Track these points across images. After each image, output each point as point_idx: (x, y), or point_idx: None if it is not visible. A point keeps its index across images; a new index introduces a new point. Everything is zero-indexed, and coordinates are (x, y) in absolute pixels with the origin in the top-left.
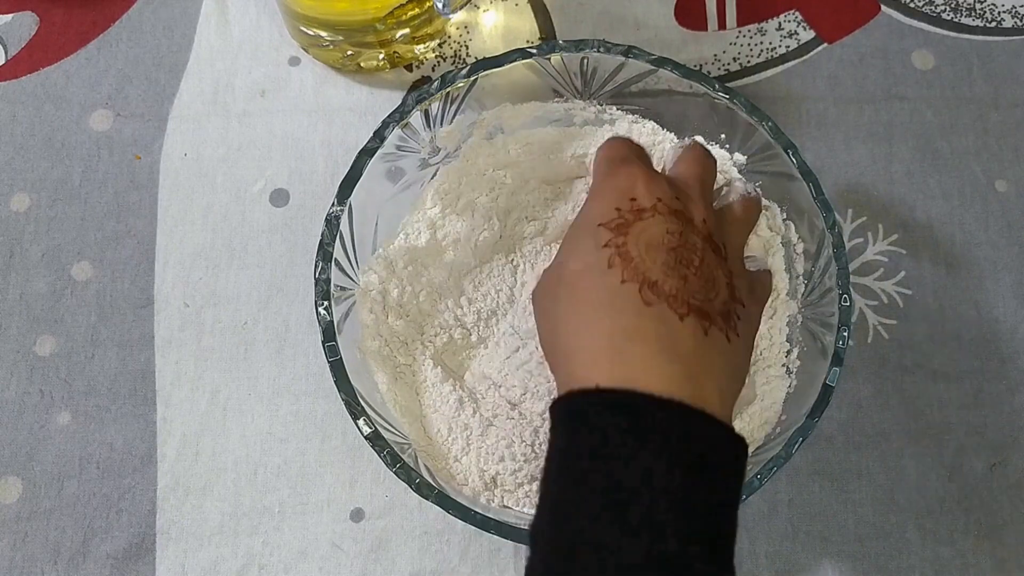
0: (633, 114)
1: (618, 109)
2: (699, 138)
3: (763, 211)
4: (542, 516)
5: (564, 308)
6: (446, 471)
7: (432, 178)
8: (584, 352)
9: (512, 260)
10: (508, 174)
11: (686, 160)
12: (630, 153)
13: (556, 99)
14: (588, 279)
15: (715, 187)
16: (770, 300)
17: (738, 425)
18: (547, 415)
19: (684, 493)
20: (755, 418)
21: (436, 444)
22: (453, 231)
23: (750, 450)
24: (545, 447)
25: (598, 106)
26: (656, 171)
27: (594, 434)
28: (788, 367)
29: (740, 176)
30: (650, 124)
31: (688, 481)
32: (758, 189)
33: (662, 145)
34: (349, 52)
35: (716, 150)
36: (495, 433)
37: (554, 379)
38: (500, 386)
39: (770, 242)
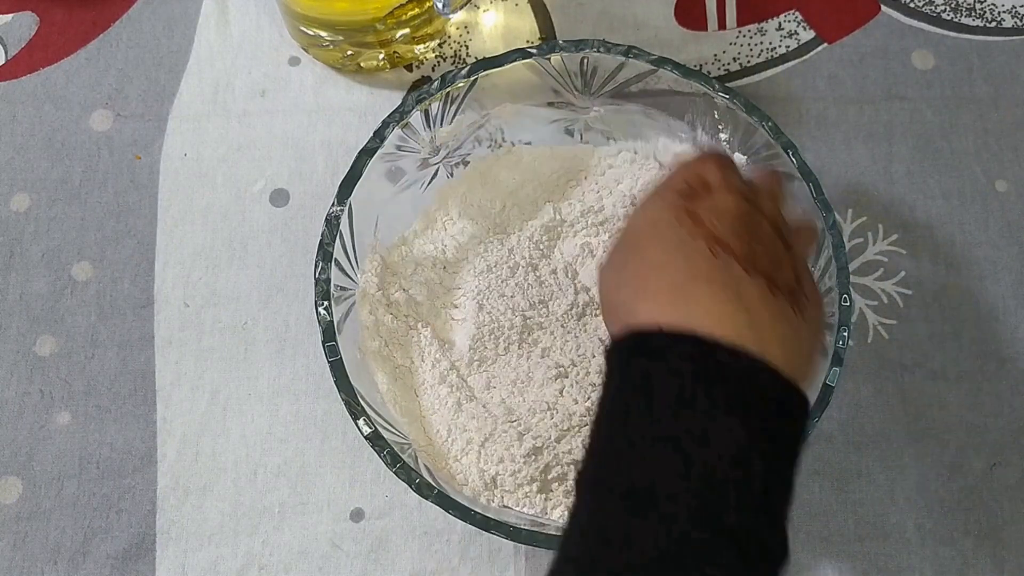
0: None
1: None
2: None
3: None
4: (594, 459)
5: (632, 260)
6: (446, 471)
7: (432, 179)
8: (648, 293)
9: (518, 268)
10: (517, 181)
11: (762, 176)
12: (712, 150)
13: (555, 98)
14: (657, 229)
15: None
16: None
17: None
18: (544, 418)
19: (746, 453)
20: None
21: (436, 444)
22: (460, 239)
23: None
24: (545, 449)
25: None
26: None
27: (655, 376)
28: None
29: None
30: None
31: (750, 438)
32: (817, 223)
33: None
34: (349, 52)
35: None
36: (495, 435)
37: (611, 335)
38: (496, 388)
39: None
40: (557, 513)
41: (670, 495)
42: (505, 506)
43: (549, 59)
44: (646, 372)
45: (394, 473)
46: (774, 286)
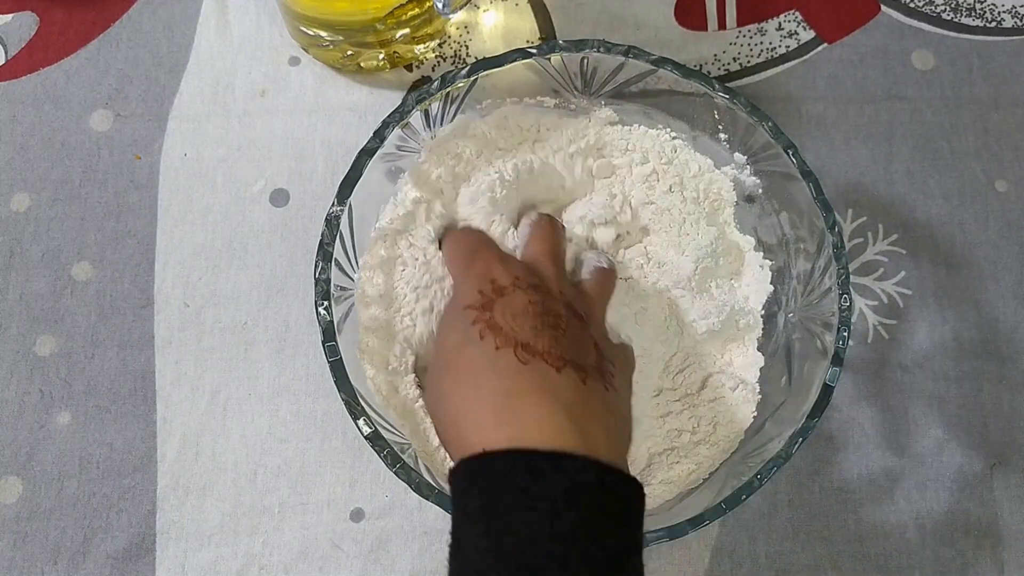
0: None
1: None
2: (543, 211)
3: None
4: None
5: (447, 383)
6: (446, 471)
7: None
8: (471, 418)
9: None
10: (473, 149)
11: (535, 237)
12: (479, 241)
13: (555, 98)
14: (464, 352)
15: (568, 259)
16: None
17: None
18: None
19: (581, 547)
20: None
21: (433, 447)
22: (412, 204)
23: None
24: None
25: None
26: (509, 254)
27: (486, 500)
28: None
29: (594, 249)
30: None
31: (584, 534)
32: (611, 259)
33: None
34: (349, 52)
35: (575, 214)
36: None
37: (450, 457)
38: None
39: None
40: None
41: None
42: None
43: (549, 59)
44: (479, 497)
45: (394, 473)
46: (582, 371)
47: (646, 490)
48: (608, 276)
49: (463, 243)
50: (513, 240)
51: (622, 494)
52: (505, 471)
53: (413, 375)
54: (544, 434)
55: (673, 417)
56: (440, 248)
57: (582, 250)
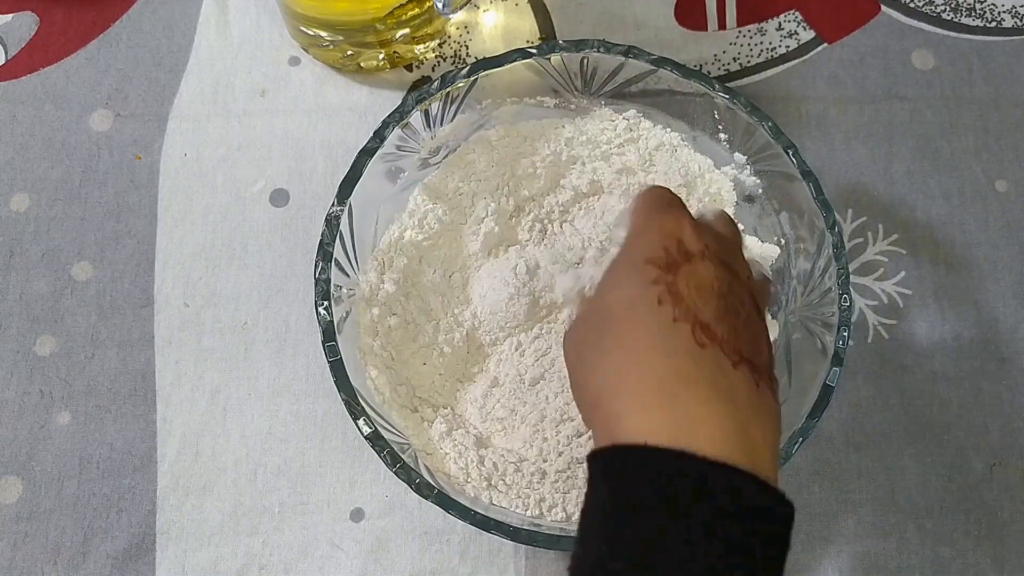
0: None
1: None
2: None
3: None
4: (581, 571)
5: (608, 344)
6: (445, 471)
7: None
8: (632, 395)
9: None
10: (486, 161)
11: (721, 222)
12: (674, 200)
13: (555, 98)
14: (635, 314)
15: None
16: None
17: None
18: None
19: (727, 569)
20: None
21: (434, 443)
22: (436, 221)
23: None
24: (543, 453)
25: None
26: (702, 222)
27: (644, 501)
28: None
29: (754, 262)
30: (648, 123)
31: (732, 560)
32: (771, 275)
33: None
34: (349, 52)
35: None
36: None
37: (586, 423)
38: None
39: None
40: (554, 514)
41: None
42: (504, 506)
43: (549, 59)
44: (637, 494)
45: (394, 473)
46: (757, 372)
47: None
48: (767, 287)
49: (658, 197)
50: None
51: (780, 517)
52: (669, 474)
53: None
54: (711, 436)
55: None
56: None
57: (751, 258)
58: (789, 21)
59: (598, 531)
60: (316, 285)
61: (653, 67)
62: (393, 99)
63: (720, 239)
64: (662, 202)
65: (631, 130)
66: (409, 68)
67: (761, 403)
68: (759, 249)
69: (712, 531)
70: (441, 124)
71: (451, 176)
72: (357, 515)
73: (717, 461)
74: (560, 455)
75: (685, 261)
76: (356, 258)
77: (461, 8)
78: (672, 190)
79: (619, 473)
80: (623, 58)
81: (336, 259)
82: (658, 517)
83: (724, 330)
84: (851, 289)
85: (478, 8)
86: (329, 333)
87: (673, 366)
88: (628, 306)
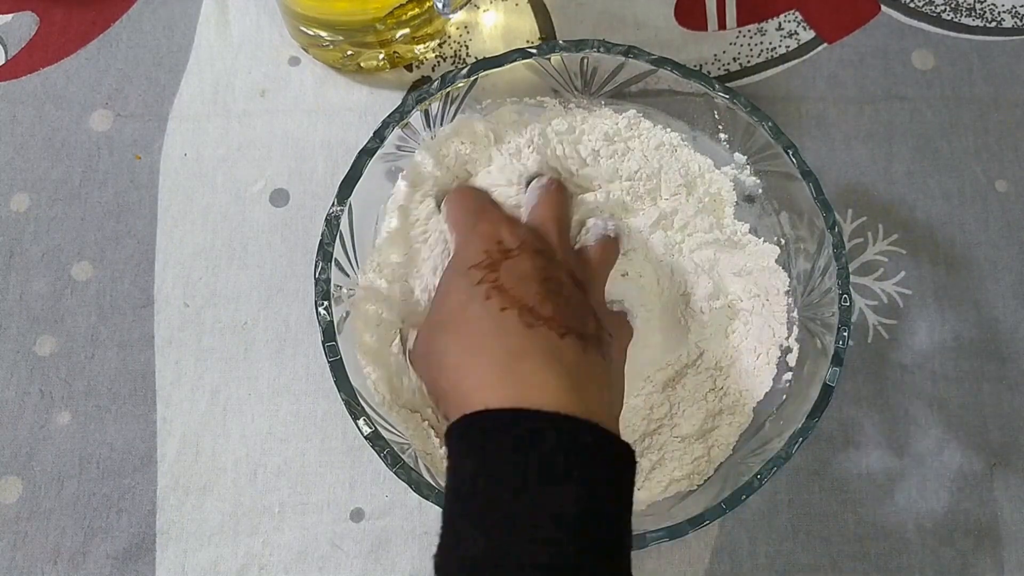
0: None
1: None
2: (551, 176)
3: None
4: (442, 542)
5: (448, 341)
6: (443, 469)
7: None
8: (473, 377)
9: None
10: (470, 148)
11: (542, 203)
12: (484, 201)
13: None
14: (468, 311)
15: (573, 226)
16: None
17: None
18: None
19: (574, 507)
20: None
21: (434, 446)
22: (423, 212)
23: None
24: None
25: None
26: (514, 217)
27: (488, 457)
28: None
29: (600, 218)
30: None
31: (578, 493)
32: (616, 227)
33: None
34: (349, 52)
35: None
36: None
37: (444, 417)
38: None
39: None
40: None
41: (518, 566)
42: None
43: (549, 59)
44: (481, 453)
45: (394, 473)
46: (583, 339)
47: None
48: (612, 245)
49: (467, 202)
50: (516, 201)
51: (618, 455)
52: (506, 427)
53: (398, 338)
54: (546, 396)
55: (679, 387)
56: (440, 210)
57: (588, 215)
58: (789, 21)
59: (450, 491)
60: (316, 285)
61: (653, 67)
62: (393, 99)
63: (534, 233)
64: (473, 206)
65: (631, 130)
66: (409, 68)
67: (591, 365)
68: (759, 248)
69: (549, 468)
70: (441, 124)
71: (433, 163)
72: (357, 515)
73: (550, 412)
74: None
75: (505, 258)
76: (356, 258)
77: (461, 8)
78: (479, 188)
79: (464, 434)
80: (623, 58)
81: (336, 259)
82: (501, 464)
83: (549, 309)
84: (851, 289)
85: (478, 8)
86: (329, 333)
87: (506, 346)
88: (460, 307)
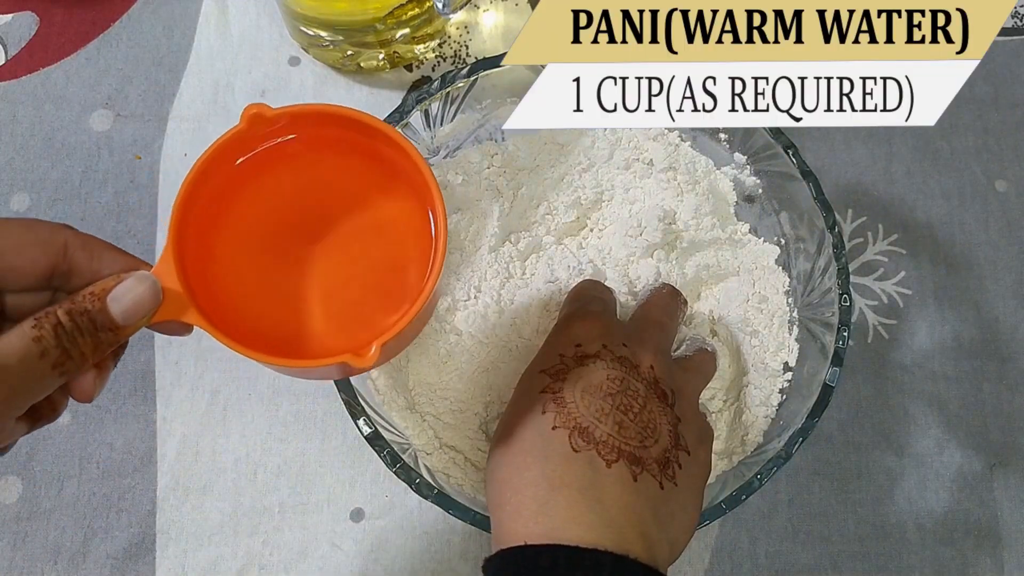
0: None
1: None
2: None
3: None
4: None
5: (501, 453)
6: (445, 471)
7: None
8: (511, 504)
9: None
10: (494, 165)
11: (650, 303)
12: (595, 297)
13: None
14: (523, 423)
15: (676, 338)
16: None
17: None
18: None
19: None
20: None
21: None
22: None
23: (749, 450)
24: None
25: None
26: (613, 318)
27: None
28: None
29: (697, 335)
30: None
31: None
32: (713, 345)
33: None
34: (349, 52)
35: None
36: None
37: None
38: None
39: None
40: None
41: None
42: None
43: None
44: None
45: (394, 473)
46: (637, 465)
47: None
48: (710, 358)
49: (583, 290)
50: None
51: None
52: (531, 566)
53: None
54: (579, 530)
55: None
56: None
57: (687, 334)
58: None
59: None
60: None
61: None
62: (393, 99)
63: (627, 331)
64: (583, 297)
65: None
66: (409, 68)
67: (638, 497)
68: (759, 248)
69: None
70: (441, 124)
71: (450, 174)
72: (357, 515)
73: (583, 546)
74: None
75: (579, 364)
76: None
77: (461, 8)
78: (602, 283)
79: (502, 570)
80: None
81: None
82: None
83: (605, 429)
84: (851, 289)
85: (478, 8)
86: None
87: (547, 473)
88: (518, 416)
